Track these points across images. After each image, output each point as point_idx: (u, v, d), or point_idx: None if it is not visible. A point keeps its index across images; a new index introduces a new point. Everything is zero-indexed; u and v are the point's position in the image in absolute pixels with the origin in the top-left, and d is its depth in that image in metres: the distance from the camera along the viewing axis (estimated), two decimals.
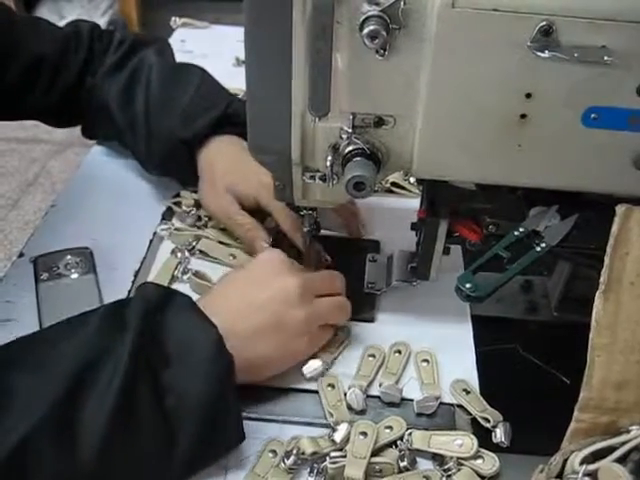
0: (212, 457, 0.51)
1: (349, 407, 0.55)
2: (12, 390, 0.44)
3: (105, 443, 0.44)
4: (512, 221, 0.54)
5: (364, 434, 0.52)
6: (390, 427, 0.53)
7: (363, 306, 0.64)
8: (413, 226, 0.63)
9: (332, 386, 0.56)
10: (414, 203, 0.63)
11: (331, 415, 0.54)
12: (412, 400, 0.56)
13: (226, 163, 0.72)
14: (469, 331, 0.63)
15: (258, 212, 0.70)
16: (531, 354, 0.61)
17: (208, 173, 0.73)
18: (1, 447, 0.42)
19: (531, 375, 0.60)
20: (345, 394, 0.56)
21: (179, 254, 0.69)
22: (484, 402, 0.55)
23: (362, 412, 0.55)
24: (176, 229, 0.73)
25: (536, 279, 0.68)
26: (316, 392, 0.57)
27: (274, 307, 0.55)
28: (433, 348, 0.60)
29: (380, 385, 0.57)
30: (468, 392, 0.56)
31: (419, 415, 0.55)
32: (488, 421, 0.54)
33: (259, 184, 0.68)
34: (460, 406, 0.56)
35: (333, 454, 0.51)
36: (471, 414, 0.55)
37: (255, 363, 0.54)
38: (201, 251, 0.70)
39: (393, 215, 0.75)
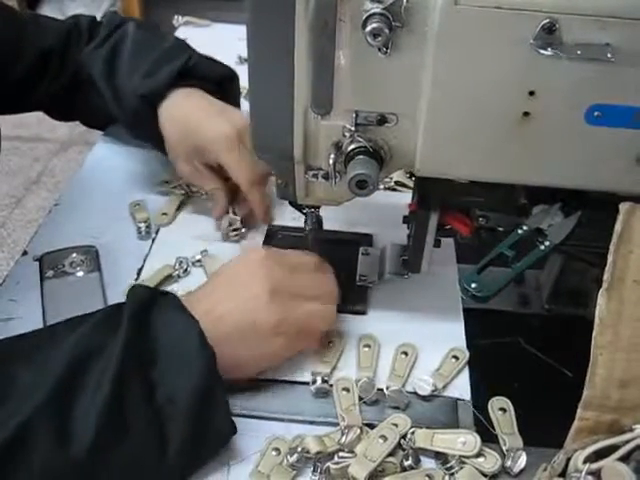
0: (205, 452, 0.51)
1: (360, 398, 0.55)
2: (13, 382, 0.46)
3: (97, 437, 0.45)
4: (504, 214, 0.54)
5: (384, 438, 0.51)
6: (395, 424, 0.53)
7: (355, 299, 0.65)
8: (405, 219, 0.63)
9: (347, 390, 0.56)
10: (408, 197, 0.63)
11: (342, 419, 0.54)
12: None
13: (181, 125, 0.71)
14: (461, 323, 0.63)
15: None
16: (526, 346, 0.62)
17: (168, 137, 0.72)
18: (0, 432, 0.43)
19: (526, 367, 0.60)
20: (360, 398, 0.56)
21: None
22: (515, 425, 0.54)
23: (375, 403, 0.56)
24: None
25: (528, 272, 0.68)
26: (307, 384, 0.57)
27: (247, 309, 0.54)
28: (424, 340, 0.61)
29: (387, 388, 0.56)
30: (505, 411, 0.55)
31: (421, 404, 0.56)
32: (505, 443, 0.53)
33: (213, 139, 0.68)
34: (459, 399, 0.56)
35: (342, 454, 0.51)
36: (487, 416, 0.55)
37: (233, 362, 0.54)
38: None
39: (387, 209, 0.74)
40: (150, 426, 0.47)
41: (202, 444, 0.50)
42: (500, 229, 0.55)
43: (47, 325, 0.61)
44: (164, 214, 0.75)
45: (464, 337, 0.61)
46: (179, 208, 0.77)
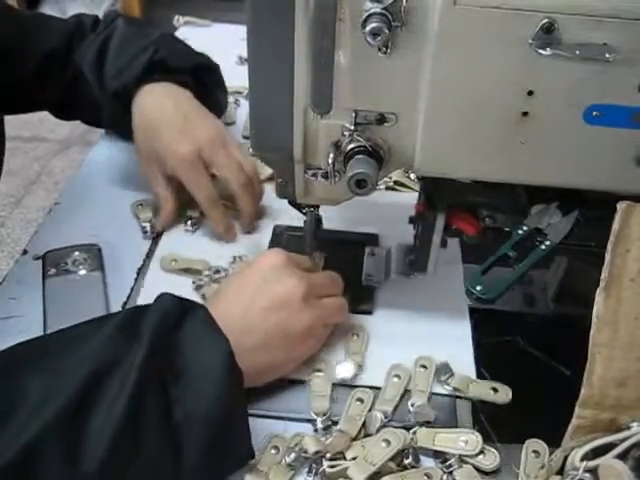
0: (219, 474, 0.50)
1: (363, 425, 0.54)
2: (24, 392, 0.44)
3: (110, 454, 0.43)
4: (509, 214, 0.54)
5: (387, 442, 0.51)
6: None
7: (361, 299, 0.65)
8: (411, 219, 0.63)
9: (361, 400, 0.55)
10: (413, 197, 0.64)
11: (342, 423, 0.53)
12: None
13: (146, 128, 0.71)
14: (467, 323, 0.63)
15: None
16: (529, 346, 0.62)
17: (135, 135, 0.72)
18: (9, 448, 0.41)
19: (530, 367, 0.60)
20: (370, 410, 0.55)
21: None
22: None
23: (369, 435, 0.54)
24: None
25: (534, 272, 0.68)
26: None
27: (279, 315, 0.54)
28: (430, 340, 0.61)
29: (412, 405, 0.55)
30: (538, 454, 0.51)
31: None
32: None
33: (172, 156, 0.68)
34: (459, 397, 0.56)
35: (329, 456, 0.51)
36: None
37: (262, 370, 0.54)
38: None
39: (391, 209, 0.75)
40: (165, 444, 0.45)
41: (218, 467, 0.49)
42: (507, 229, 0.55)
43: (48, 326, 0.61)
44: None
45: (470, 337, 0.61)
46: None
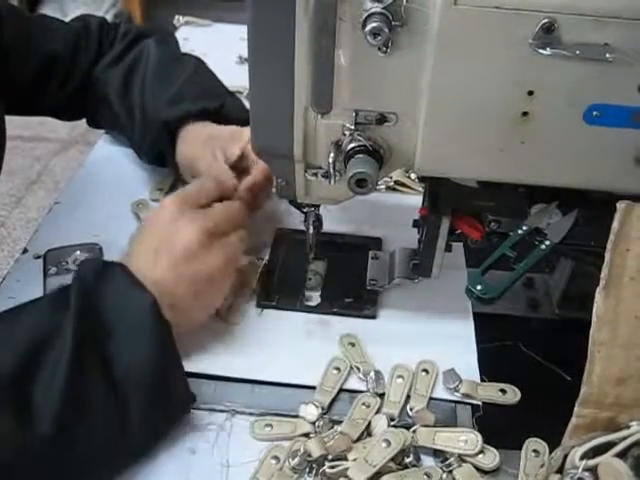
0: (166, 422, 0.52)
1: (367, 427, 0.54)
2: None
3: (61, 415, 0.45)
4: (514, 218, 0.54)
5: (387, 442, 0.51)
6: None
7: (365, 303, 0.65)
8: (415, 223, 0.63)
9: (367, 405, 0.55)
10: (416, 200, 0.63)
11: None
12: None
13: (186, 162, 0.73)
14: (471, 328, 0.63)
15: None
16: (532, 351, 0.61)
17: (186, 141, 0.73)
18: None
19: (532, 372, 0.60)
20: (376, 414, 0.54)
21: None
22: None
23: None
24: None
25: (538, 276, 0.68)
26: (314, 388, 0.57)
27: (185, 267, 0.55)
28: (434, 344, 0.60)
29: (411, 409, 0.55)
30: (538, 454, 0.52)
31: None
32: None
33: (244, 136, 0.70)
34: (459, 402, 0.56)
35: (331, 457, 0.51)
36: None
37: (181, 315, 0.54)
38: None
39: (395, 212, 0.75)
40: (110, 399, 0.48)
41: (162, 414, 0.51)
42: (511, 233, 0.55)
43: None
44: (159, 189, 0.79)
45: (474, 341, 0.61)
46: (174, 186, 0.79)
